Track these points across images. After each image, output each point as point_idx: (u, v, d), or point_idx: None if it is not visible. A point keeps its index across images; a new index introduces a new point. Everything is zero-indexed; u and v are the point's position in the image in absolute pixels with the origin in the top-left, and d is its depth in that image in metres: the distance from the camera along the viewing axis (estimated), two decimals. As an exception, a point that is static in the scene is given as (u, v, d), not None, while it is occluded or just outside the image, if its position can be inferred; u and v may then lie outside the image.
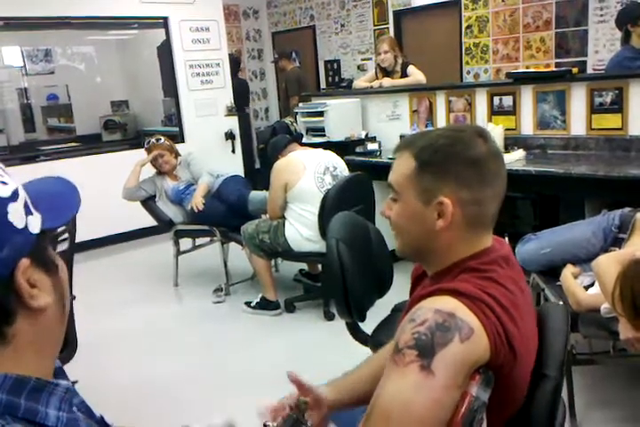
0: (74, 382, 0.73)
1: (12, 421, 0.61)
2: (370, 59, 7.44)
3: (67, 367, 0.79)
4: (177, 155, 4.42)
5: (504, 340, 1.03)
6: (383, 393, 1.00)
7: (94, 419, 0.77)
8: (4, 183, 0.64)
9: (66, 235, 0.72)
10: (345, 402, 1.35)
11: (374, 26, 7.44)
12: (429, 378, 0.96)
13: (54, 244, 0.71)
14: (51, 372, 0.71)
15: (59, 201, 0.74)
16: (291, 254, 3.62)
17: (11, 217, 0.63)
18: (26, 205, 0.66)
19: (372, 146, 4.41)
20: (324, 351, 3.20)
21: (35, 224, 0.66)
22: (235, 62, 6.80)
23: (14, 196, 0.64)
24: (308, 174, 3.44)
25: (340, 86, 7.55)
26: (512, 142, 3.83)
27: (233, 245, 4.31)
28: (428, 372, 0.96)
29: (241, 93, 6.98)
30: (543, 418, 1.14)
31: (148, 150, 4.36)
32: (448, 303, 1.03)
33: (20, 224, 0.64)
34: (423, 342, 0.98)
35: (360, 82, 5.22)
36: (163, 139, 4.40)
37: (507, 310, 1.05)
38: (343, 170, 3.64)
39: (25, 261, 0.64)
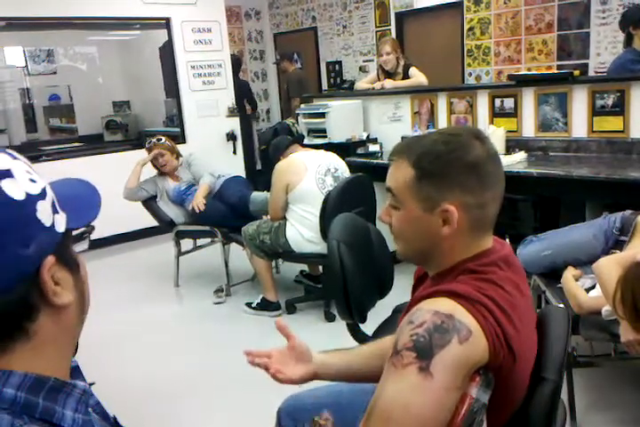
0: (91, 384, 0.73)
1: (30, 421, 0.61)
2: (372, 60, 7.45)
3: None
4: (178, 155, 4.43)
5: (503, 341, 1.03)
6: (383, 395, 1.00)
7: (108, 421, 0.77)
8: (33, 181, 0.65)
9: (85, 235, 0.73)
10: (335, 369, 1.44)
11: (376, 27, 7.44)
12: (428, 380, 0.96)
13: (74, 243, 0.72)
14: (68, 371, 0.72)
15: (80, 202, 0.75)
16: (291, 255, 3.62)
17: (39, 215, 0.63)
18: (53, 204, 0.67)
19: (373, 147, 4.41)
20: (325, 353, 3.19)
21: (60, 223, 0.67)
22: (236, 62, 6.79)
23: (43, 194, 0.65)
24: (309, 176, 3.44)
25: (341, 88, 7.56)
26: (513, 144, 3.83)
27: (234, 246, 4.31)
28: (427, 373, 0.96)
29: (241, 95, 6.96)
30: (541, 421, 1.14)
31: (149, 150, 4.36)
32: (446, 305, 1.03)
33: (47, 222, 0.64)
34: (421, 343, 0.98)
35: (362, 83, 5.22)
36: (164, 139, 4.41)
37: (505, 312, 1.05)
38: (344, 171, 3.64)
39: (50, 259, 0.64)
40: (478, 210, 1.11)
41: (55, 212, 0.67)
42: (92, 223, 0.75)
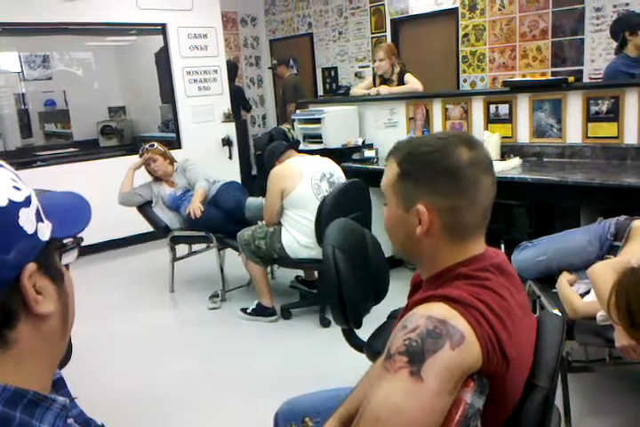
0: (72, 399, 0.73)
1: None
2: (367, 66, 7.47)
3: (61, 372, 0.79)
4: (172, 161, 4.42)
5: (496, 347, 1.03)
6: (373, 398, 1.00)
7: None
8: (17, 189, 0.65)
9: (73, 246, 0.73)
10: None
11: (372, 33, 7.47)
12: (419, 384, 0.96)
13: (60, 255, 0.72)
14: (49, 383, 0.71)
15: (69, 213, 0.75)
16: (287, 261, 3.62)
17: (22, 222, 0.63)
18: (37, 212, 0.66)
19: (368, 153, 4.42)
20: (320, 358, 3.19)
21: (44, 232, 0.67)
22: (232, 68, 6.77)
23: (27, 202, 0.65)
24: (304, 181, 3.44)
25: (337, 93, 7.57)
26: (508, 150, 3.84)
27: (229, 252, 4.30)
28: (418, 378, 0.96)
29: (236, 100, 6.94)
30: (533, 427, 1.14)
31: (142, 156, 4.37)
32: (440, 310, 1.03)
33: (30, 230, 0.64)
34: (414, 348, 0.99)
35: (357, 89, 5.24)
36: (156, 144, 4.42)
37: (499, 318, 1.05)
38: (340, 177, 3.65)
39: (31, 266, 0.64)
40: (453, 214, 1.12)
41: (39, 220, 0.66)
42: (80, 235, 0.74)
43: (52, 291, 0.67)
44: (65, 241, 0.72)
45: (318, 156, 3.74)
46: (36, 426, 0.64)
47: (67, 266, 0.73)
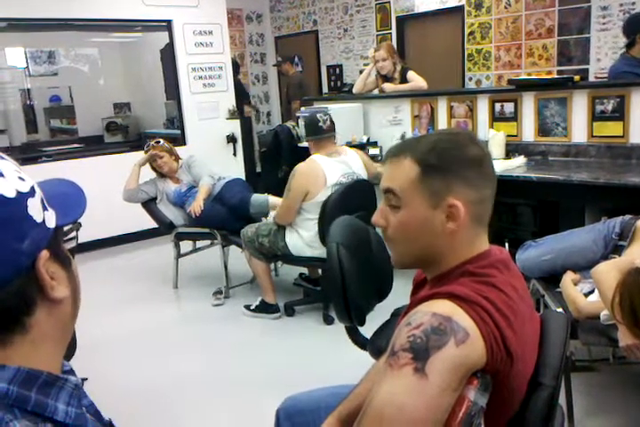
0: (84, 380, 0.74)
1: (20, 415, 0.62)
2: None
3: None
4: (177, 157, 4.43)
5: (501, 344, 1.03)
6: (377, 395, 1.00)
7: (102, 422, 0.79)
8: (22, 179, 0.67)
9: (73, 233, 0.75)
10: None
11: (377, 31, 7.46)
12: (423, 381, 0.96)
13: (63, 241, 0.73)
14: (60, 366, 0.73)
15: (67, 200, 0.77)
16: (290, 258, 3.62)
17: (30, 211, 0.65)
18: (42, 201, 0.69)
19: (373, 151, 4.42)
20: (323, 355, 3.20)
21: (50, 219, 0.69)
22: (233, 66, 6.77)
23: (32, 191, 0.67)
24: (326, 189, 3.38)
25: (342, 91, 7.57)
26: (513, 149, 3.84)
27: (233, 248, 4.31)
28: (422, 375, 0.96)
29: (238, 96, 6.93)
30: (538, 426, 1.14)
31: (147, 153, 4.37)
32: (445, 307, 1.03)
33: (38, 218, 0.66)
34: (418, 345, 0.98)
35: (359, 82, 5.20)
36: (162, 141, 4.42)
37: (504, 315, 1.05)
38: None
39: (45, 253, 0.66)
40: (479, 205, 1.14)
41: (45, 209, 0.69)
42: (79, 221, 0.76)
43: (63, 276, 0.70)
44: (65, 229, 0.73)
45: (347, 148, 3.65)
46: (51, 405, 0.66)
47: (72, 253, 0.75)
